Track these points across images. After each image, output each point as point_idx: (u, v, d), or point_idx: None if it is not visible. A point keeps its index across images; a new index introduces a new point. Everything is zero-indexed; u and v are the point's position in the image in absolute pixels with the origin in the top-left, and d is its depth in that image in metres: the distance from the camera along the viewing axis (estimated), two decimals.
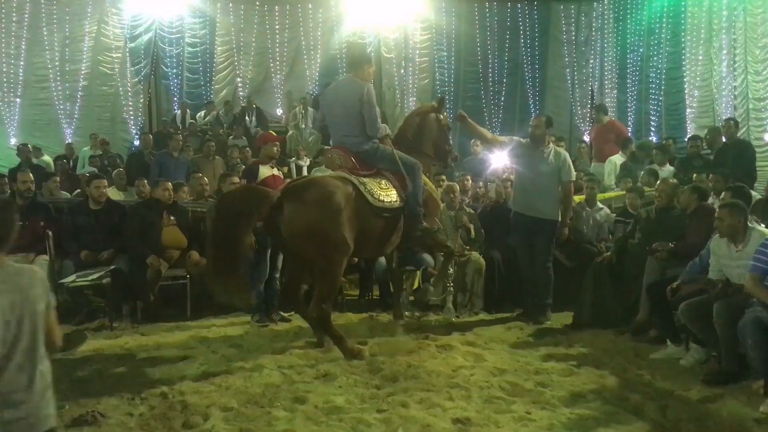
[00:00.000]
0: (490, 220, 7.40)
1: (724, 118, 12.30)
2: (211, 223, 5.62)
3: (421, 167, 5.72)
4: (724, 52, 12.53)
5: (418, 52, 16.69)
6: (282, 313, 6.84)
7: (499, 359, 5.33)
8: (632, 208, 7.09)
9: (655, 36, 14.40)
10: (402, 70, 16.76)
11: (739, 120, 11.44)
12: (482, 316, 6.92)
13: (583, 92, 16.66)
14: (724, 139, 8.58)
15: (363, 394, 4.58)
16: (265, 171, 6.80)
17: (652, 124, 14.20)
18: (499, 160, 8.48)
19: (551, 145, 6.82)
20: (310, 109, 15.03)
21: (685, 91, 13.45)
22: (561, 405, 4.34)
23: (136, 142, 14.72)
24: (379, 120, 5.59)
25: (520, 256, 6.78)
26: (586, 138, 14.21)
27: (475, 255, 7.04)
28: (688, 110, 13.39)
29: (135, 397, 4.46)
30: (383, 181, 5.52)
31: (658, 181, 6.48)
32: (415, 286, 7.24)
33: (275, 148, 7.02)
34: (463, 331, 6.21)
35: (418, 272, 7.10)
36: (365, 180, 5.45)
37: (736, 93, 12.21)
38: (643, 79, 14.72)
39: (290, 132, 14.33)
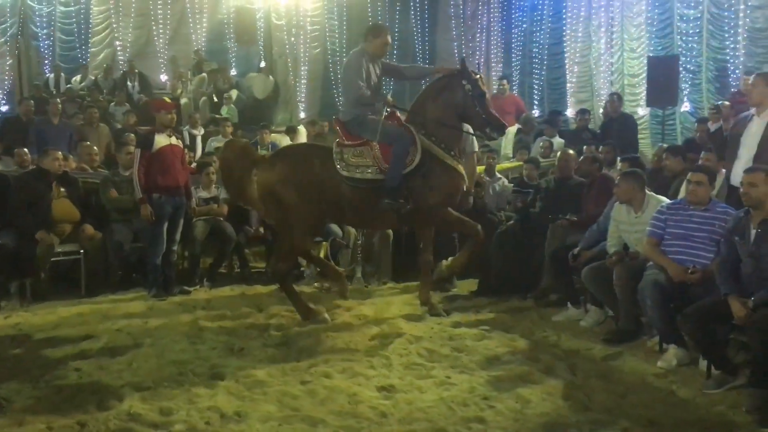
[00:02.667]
0: None
1: (601, 93, 13.14)
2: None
3: (410, 139, 5.42)
4: (603, 29, 13.19)
5: (309, 20, 16.37)
6: (185, 287, 6.62)
7: (413, 327, 5.42)
8: (529, 179, 7.38)
9: (538, 12, 14.88)
10: (293, 38, 16.41)
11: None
12: (390, 285, 7.01)
13: (470, 65, 17.00)
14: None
15: (283, 367, 4.54)
16: (162, 140, 6.49)
17: (536, 97, 14.76)
18: None
19: None
20: (198, 76, 14.49)
21: (566, 67, 14.06)
22: (478, 368, 4.49)
23: (4, 108, 13.60)
24: (362, 88, 5.40)
25: None
26: None
27: None
28: (568, 85, 14.04)
29: (39, 380, 4.19)
30: (364, 152, 5.42)
31: (558, 153, 6.77)
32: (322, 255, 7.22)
33: (170, 116, 6.70)
34: (374, 301, 6.27)
35: (325, 243, 7.07)
36: (347, 150, 5.44)
37: (613, 69, 12.92)
38: (526, 54, 15.23)
39: (184, 100, 13.70)
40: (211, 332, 5.26)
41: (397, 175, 5.34)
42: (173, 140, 6.60)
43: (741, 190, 4.08)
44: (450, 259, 5.80)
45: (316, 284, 6.79)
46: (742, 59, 10.26)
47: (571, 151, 6.74)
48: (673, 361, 4.45)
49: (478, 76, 5.63)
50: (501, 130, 5.83)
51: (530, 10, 15.06)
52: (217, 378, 4.29)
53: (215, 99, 13.97)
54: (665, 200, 5.13)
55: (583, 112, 9.33)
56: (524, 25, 15.32)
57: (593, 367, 4.57)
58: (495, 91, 11.72)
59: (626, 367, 4.56)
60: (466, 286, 6.86)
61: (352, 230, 6.93)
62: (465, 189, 5.78)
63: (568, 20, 14.00)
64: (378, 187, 5.38)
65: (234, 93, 14.52)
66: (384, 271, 7.06)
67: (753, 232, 4.02)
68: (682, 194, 5.31)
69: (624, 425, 3.62)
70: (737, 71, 10.23)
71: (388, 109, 5.71)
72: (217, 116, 13.27)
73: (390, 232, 7.05)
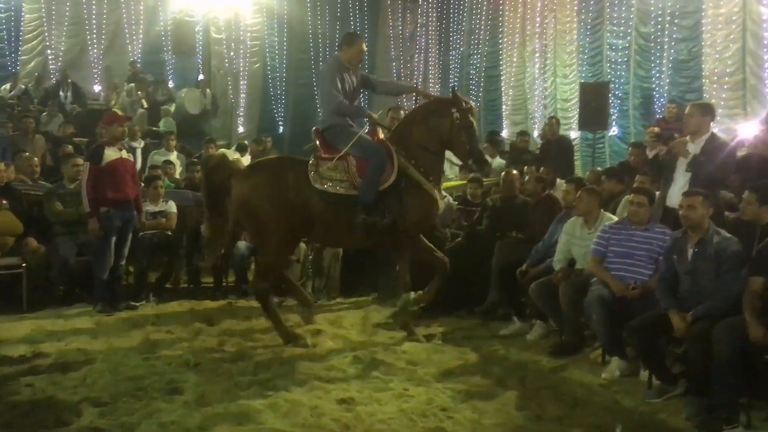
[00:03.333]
0: None
1: (535, 115, 13.69)
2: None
3: (386, 155, 5.32)
4: (537, 55, 13.77)
5: (249, 35, 16.38)
6: (131, 302, 6.53)
7: (367, 341, 5.52)
8: (473, 197, 7.61)
9: (475, 36, 15.40)
10: (232, 53, 16.37)
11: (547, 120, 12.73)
12: (339, 300, 7.09)
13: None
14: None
15: (240, 381, 4.55)
16: (111, 153, 6.41)
17: None
18: None
19: None
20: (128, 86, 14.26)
21: (502, 90, 14.59)
22: (434, 381, 4.62)
23: None
24: (338, 96, 5.34)
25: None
26: None
27: None
28: (503, 107, 14.56)
29: None
30: (340, 166, 5.31)
31: (503, 173, 7.03)
32: None
33: (121, 129, 6.63)
34: (326, 316, 6.34)
35: None
36: (323, 164, 5.31)
37: (546, 94, 13.50)
38: (464, 76, 15.69)
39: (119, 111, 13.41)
40: (163, 347, 5.22)
41: (372, 191, 5.26)
42: (124, 154, 6.52)
43: (680, 212, 4.38)
44: (419, 292, 5.61)
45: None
46: (666, 88, 10.92)
47: (515, 171, 7.02)
48: (616, 372, 4.71)
49: (469, 106, 5.52)
50: (482, 165, 5.79)
51: (467, 34, 15.54)
52: (176, 393, 4.27)
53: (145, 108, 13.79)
54: (616, 219, 5.43)
55: (522, 134, 9.70)
56: (461, 48, 15.80)
57: (542, 378, 4.77)
58: None
59: (573, 379, 4.78)
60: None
61: (302, 245, 6.98)
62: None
63: (504, 45, 14.54)
64: (350, 203, 5.27)
65: (172, 105, 14.38)
66: (333, 286, 7.14)
67: (690, 251, 4.33)
68: (618, 215, 5.65)
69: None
70: (662, 99, 10.89)
71: (368, 125, 5.66)
72: (154, 128, 13.10)
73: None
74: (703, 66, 10.27)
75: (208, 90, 15.42)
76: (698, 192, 4.36)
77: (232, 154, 11.07)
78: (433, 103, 5.73)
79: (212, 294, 7.09)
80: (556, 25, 13.22)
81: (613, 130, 11.70)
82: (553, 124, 9.52)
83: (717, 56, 10.08)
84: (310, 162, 5.36)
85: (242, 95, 16.34)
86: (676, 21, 10.77)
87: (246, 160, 11.60)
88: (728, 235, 4.29)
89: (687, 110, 5.40)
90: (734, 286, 4.04)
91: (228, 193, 5.39)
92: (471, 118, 5.47)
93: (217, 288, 7.18)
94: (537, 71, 13.72)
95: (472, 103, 5.66)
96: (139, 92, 14.27)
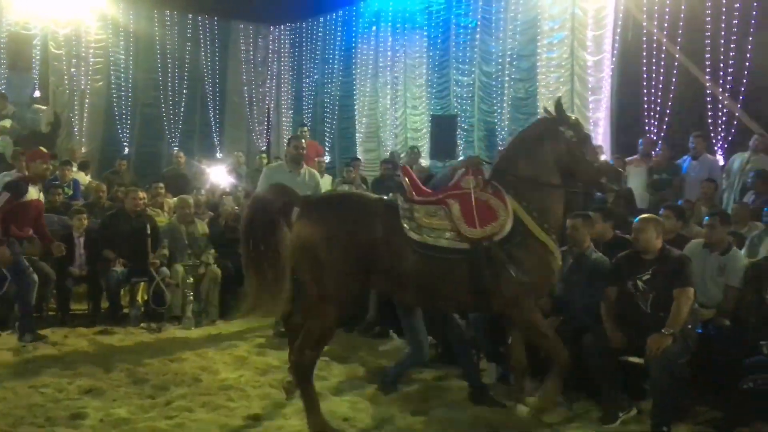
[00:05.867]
0: (231, 231, 7.52)
1: (387, 144, 14.41)
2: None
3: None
4: (388, 87, 14.55)
5: (92, 51, 15.68)
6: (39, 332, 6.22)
7: (258, 360, 5.70)
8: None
9: (329, 65, 15.93)
10: (73, 69, 15.56)
11: (398, 148, 13.51)
12: (219, 324, 7.14)
13: (260, 110, 17.52)
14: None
15: (141, 404, 4.59)
16: (33, 192, 6.17)
17: (327, 144, 15.62)
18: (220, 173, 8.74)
19: (305, 165, 6.39)
20: None
21: (356, 118, 15.21)
22: (331, 394, 4.92)
23: None
24: None
25: None
26: None
27: (212, 266, 7.23)
28: (357, 135, 15.17)
29: None
30: (441, 212, 4.16)
31: None
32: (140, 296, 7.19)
33: (45, 166, 6.38)
34: (209, 339, 6.40)
35: (144, 284, 7.05)
36: (418, 207, 4.17)
37: (398, 123, 14.29)
38: (318, 103, 16.15)
39: None
40: (49, 375, 5.06)
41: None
42: (41, 195, 6.26)
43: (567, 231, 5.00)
44: (538, 396, 4.32)
45: (142, 325, 6.71)
46: (507, 122, 12.03)
47: None
48: (494, 376, 5.31)
49: (574, 117, 4.60)
50: (618, 177, 4.79)
51: (321, 62, 16.03)
52: (79, 418, 4.23)
53: None
54: None
55: (386, 162, 10.25)
56: (315, 76, 16.24)
57: (424, 384, 5.23)
58: None
59: (454, 386, 5.28)
60: None
61: (180, 269, 6.98)
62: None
63: (357, 76, 15.17)
64: (455, 258, 4.10)
65: (8, 122, 13.41)
66: (212, 310, 7.18)
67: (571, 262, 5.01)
68: None
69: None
70: (504, 132, 11.97)
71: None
72: None
73: (218, 271, 7.21)
74: (538, 104, 11.43)
75: (45, 107, 14.54)
76: (579, 215, 5.06)
77: (77, 174, 10.67)
78: (536, 126, 4.63)
79: (84, 320, 6.85)
80: (406, 59, 14.07)
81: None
82: (414, 153, 10.17)
83: (550, 96, 11.29)
84: (402, 205, 4.17)
85: (85, 114, 15.58)
86: (514, 63, 11.94)
87: (87, 177, 11.25)
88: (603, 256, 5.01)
89: None
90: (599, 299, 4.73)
91: (275, 233, 4.05)
92: (584, 131, 4.65)
93: (94, 314, 6.95)
94: (389, 102, 14.48)
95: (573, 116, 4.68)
96: None
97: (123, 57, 16.11)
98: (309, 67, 16.46)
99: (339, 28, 15.65)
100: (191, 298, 6.86)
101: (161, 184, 9.22)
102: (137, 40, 16.15)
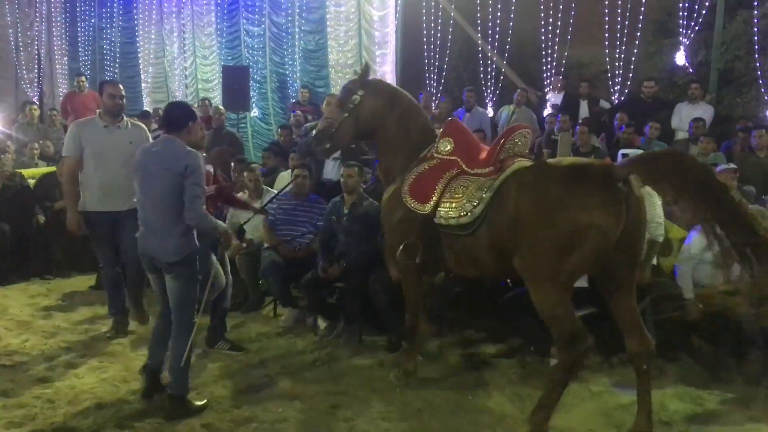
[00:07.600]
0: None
1: (176, 95, 13.88)
2: None
3: None
4: (175, 35, 13.93)
5: None
6: None
7: (43, 324, 5.47)
8: None
9: (107, 9, 14.80)
10: None
11: (190, 100, 13.02)
12: None
13: (29, 55, 15.93)
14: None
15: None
16: None
17: None
18: None
19: (125, 118, 5.22)
20: None
21: (140, 67, 14.41)
22: (130, 352, 4.92)
23: None
24: None
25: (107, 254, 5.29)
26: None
27: None
28: (143, 84, 14.41)
29: None
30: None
31: None
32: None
33: None
34: None
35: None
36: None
37: (187, 73, 13.80)
38: (97, 49, 15.03)
39: None
40: None
41: None
42: None
43: (342, 179, 5.37)
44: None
45: None
46: (299, 74, 12.16)
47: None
48: (290, 320, 5.58)
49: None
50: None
51: (98, 5, 14.85)
52: None
53: None
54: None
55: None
56: (92, 20, 15.04)
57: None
58: (75, 89, 11.48)
59: (252, 332, 5.47)
60: None
61: None
62: None
63: (140, 21, 14.32)
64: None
65: None
66: None
67: (345, 212, 5.36)
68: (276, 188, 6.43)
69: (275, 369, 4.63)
70: (296, 84, 12.11)
71: None
72: None
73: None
74: (328, 56, 11.73)
75: None
76: (355, 164, 5.41)
77: None
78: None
79: None
80: (193, 5, 13.52)
81: (255, 112, 12.61)
82: (206, 105, 9.96)
83: (339, 49, 11.62)
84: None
85: None
86: (304, 15, 12.02)
87: None
88: (375, 201, 5.40)
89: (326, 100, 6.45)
90: (379, 242, 5.14)
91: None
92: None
93: None
94: (177, 50, 13.91)
95: None
96: None
97: None
98: (84, 9, 15.18)
99: None
100: None
101: None
102: None
